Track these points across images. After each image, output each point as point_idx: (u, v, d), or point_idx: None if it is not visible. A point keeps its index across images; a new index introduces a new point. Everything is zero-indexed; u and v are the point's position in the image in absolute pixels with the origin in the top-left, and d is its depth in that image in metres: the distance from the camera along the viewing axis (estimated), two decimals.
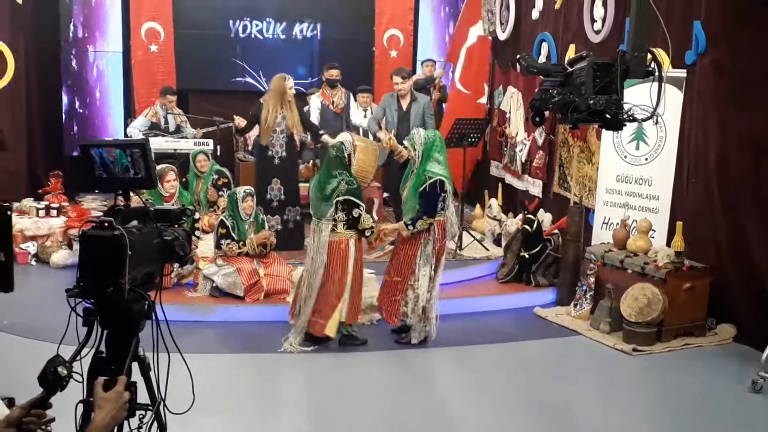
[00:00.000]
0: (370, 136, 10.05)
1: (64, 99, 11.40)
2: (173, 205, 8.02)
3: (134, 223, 2.96)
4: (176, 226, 3.08)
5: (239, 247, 7.68)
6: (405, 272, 6.89)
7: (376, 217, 6.76)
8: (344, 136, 7.90)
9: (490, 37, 10.94)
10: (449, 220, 6.88)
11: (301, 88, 11.53)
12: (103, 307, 2.77)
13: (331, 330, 6.75)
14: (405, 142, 6.99)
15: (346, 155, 6.73)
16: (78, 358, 2.76)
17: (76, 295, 2.74)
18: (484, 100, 10.90)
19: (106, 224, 2.74)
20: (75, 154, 11.01)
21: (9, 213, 4.75)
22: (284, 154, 8.70)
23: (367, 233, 6.71)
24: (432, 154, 6.77)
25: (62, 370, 2.58)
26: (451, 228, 6.99)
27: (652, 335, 7.04)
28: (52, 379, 2.56)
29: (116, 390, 2.53)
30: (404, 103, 9.27)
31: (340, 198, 6.58)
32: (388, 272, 7.04)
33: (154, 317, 2.92)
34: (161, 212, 3.04)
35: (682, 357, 6.91)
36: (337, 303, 6.71)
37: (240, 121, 9.09)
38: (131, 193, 3.00)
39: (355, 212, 6.61)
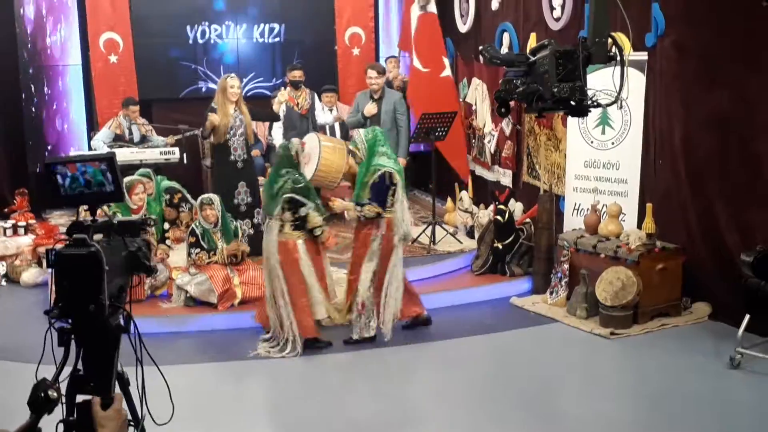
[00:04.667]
0: (337, 134, 10.03)
1: (26, 116, 11.24)
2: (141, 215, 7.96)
3: (99, 236, 2.91)
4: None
5: (209, 257, 7.62)
6: (357, 271, 6.89)
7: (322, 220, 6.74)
8: (311, 137, 7.88)
9: (434, 11, 10.77)
10: (399, 218, 6.79)
11: (266, 91, 11.45)
12: (82, 326, 2.73)
13: (315, 331, 6.78)
14: (350, 146, 7.04)
15: (293, 153, 6.72)
16: (59, 378, 2.73)
17: (57, 316, 2.70)
18: (447, 72, 10.55)
19: (82, 242, 2.70)
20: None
21: None
22: (246, 156, 8.64)
23: (317, 232, 6.67)
24: (376, 149, 6.80)
25: (53, 393, 2.57)
26: (402, 225, 6.82)
27: (628, 318, 7.08)
28: (44, 403, 2.54)
29: (115, 408, 2.56)
30: (376, 98, 9.24)
31: (285, 196, 6.56)
32: (349, 272, 7.07)
33: (134, 330, 2.88)
34: (124, 224, 2.99)
35: (659, 338, 6.96)
36: (307, 304, 6.70)
37: (213, 119, 8.71)
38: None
39: (302, 211, 6.59)
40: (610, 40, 4.15)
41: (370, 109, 8.99)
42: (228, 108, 8.54)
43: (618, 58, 4.16)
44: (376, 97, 9.29)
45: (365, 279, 6.82)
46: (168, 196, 9.05)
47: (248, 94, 10.86)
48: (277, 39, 12.04)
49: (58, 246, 2.73)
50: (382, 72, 9.34)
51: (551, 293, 7.83)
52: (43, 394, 2.55)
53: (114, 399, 2.59)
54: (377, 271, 6.83)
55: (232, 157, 8.60)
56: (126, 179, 8.00)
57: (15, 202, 9.78)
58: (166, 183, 9.23)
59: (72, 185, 2.82)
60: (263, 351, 6.74)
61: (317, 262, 6.84)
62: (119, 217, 7.62)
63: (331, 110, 10.33)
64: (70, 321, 2.76)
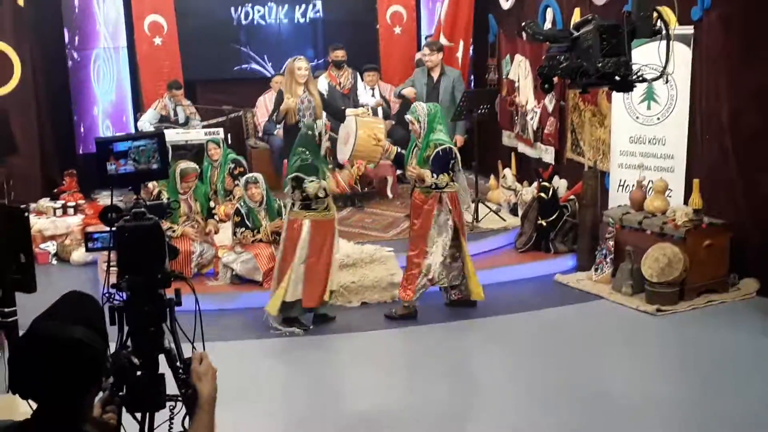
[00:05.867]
0: (380, 113, 10.02)
1: (73, 98, 11.39)
2: (188, 199, 8.07)
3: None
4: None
5: (253, 235, 7.70)
6: (420, 246, 6.91)
7: (331, 185, 6.72)
8: (349, 117, 7.92)
9: None
10: (460, 190, 6.99)
11: None
12: (142, 298, 2.81)
13: (271, 307, 6.76)
14: (408, 116, 7.05)
15: (316, 134, 6.73)
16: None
17: (126, 289, 2.79)
18: (458, 54, 10.69)
19: (141, 215, 2.81)
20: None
21: (26, 214, 4.79)
22: None
23: (321, 194, 6.56)
24: (435, 125, 6.89)
25: (136, 360, 2.71)
26: (465, 197, 7.13)
27: (674, 294, 7.03)
28: (130, 368, 2.69)
29: (207, 363, 2.67)
30: (434, 76, 9.25)
31: (291, 174, 6.60)
32: (408, 248, 7.09)
33: (196, 307, 2.94)
34: (153, 206, 3.06)
35: (706, 314, 6.90)
36: (280, 281, 6.72)
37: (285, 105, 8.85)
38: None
39: (304, 186, 6.55)
40: (655, 14, 4.11)
41: (409, 92, 9.04)
42: (296, 90, 8.61)
43: (663, 32, 4.11)
44: (433, 74, 9.27)
45: (437, 254, 6.88)
46: (232, 166, 9.38)
47: None
48: (318, 18, 12.05)
49: (119, 222, 2.83)
50: (436, 49, 9.29)
51: (596, 270, 7.78)
52: (127, 362, 2.67)
53: (203, 355, 2.69)
54: (458, 246, 6.96)
55: None
56: (182, 166, 8.11)
57: (64, 182, 9.96)
58: (233, 155, 9.57)
59: (121, 163, 2.89)
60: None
61: (322, 246, 6.74)
62: (165, 195, 7.74)
63: (372, 89, 10.32)
64: (121, 299, 2.84)
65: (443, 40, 10.57)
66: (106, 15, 11.41)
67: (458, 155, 6.95)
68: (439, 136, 6.86)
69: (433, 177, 6.77)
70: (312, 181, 6.55)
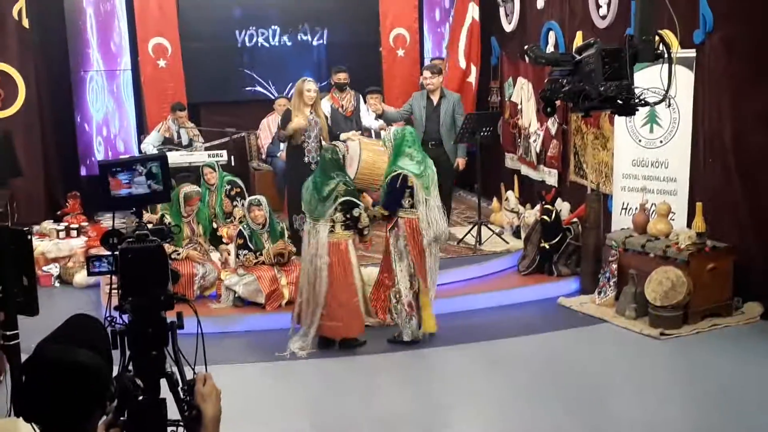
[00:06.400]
0: (383, 134, 10.05)
1: (77, 120, 11.43)
2: (191, 222, 8.07)
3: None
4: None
5: (256, 257, 7.69)
6: (389, 269, 6.92)
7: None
8: (344, 139, 7.96)
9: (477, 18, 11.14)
10: (425, 218, 6.77)
11: None
12: (145, 321, 2.81)
13: (362, 330, 6.87)
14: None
15: (340, 157, 6.82)
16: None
17: (129, 311, 2.79)
18: (471, 79, 11.07)
19: (145, 237, 2.82)
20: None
21: (29, 237, 4.79)
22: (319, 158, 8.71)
23: (365, 231, 6.74)
24: (403, 149, 6.81)
25: (139, 382, 2.71)
26: (433, 226, 6.79)
27: (678, 318, 7.00)
28: (134, 390, 2.67)
29: (211, 384, 2.67)
30: (434, 99, 9.31)
31: (341, 198, 6.62)
32: (380, 270, 7.12)
33: (198, 330, 2.94)
34: (155, 231, 3.06)
35: (710, 338, 6.87)
36: (357, 303, 6.76)
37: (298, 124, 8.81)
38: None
39: (356, 211, 6.66)
40: (657, 38, 4.12)
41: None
42: (304, 111, 8.62)
43: (665, 55, 4.12)
44: (433, 97, 9.33)
45: (402, 279, 6.82)
46: (229, 187, 9.39)
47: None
48: (321, 42, 12.10)
49: (123, 245, 2.82)
50: (437, 72, 9.37)
51: (599, 293, 7.76)
52: (131, 384, 2.66)
53: (206, 377, 2.69)
54: (414, 273, 6.82)
55: (306, 159, 8.64)
56: (186, 189, 8.11)
57: (67, 204, 9.96)
58: (229, 177, 9.58)
59: (124, 185, 2.89)
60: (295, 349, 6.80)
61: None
62: (167, 218, 7.74)
63: (375, 112, 10.34)
64: (122, 323, 2.83)
65: (462, 64, 10.76)
66: (100, 38, 11.46)
67: (416, 183, 6.72)
68: (400, 163, 6.76)
69: (363, 211, 6.81)
70: (363, 209, 6.69)
